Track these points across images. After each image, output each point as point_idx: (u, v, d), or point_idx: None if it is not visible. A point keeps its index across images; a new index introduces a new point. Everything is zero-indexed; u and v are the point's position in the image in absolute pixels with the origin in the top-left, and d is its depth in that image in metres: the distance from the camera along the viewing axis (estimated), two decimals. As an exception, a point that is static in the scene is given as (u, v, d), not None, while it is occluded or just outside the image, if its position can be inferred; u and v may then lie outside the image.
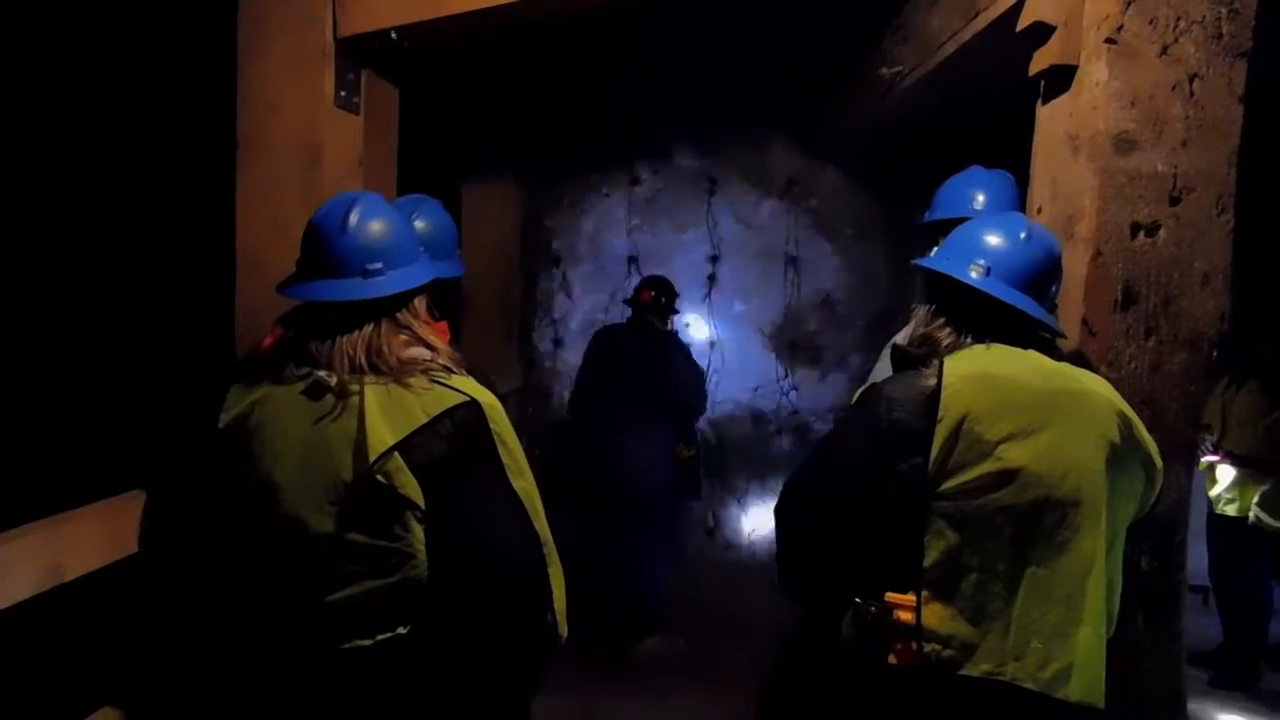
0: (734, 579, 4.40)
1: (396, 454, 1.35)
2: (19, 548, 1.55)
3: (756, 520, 5.11)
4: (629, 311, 4.25)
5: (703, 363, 5.23)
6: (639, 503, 3.88)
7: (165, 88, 3.20)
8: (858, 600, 1.51)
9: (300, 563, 1.40)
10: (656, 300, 4.10)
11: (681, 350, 4.20)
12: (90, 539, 1.70)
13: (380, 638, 1.41)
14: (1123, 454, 1.49)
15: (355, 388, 1.39)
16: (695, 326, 5.22)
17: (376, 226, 1.47)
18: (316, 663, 1.41)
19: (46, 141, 3.20)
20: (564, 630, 1.47)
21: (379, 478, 1.34)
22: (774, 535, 1.69)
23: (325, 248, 1.45)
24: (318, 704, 1.43)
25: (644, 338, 4.09)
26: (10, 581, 1.52)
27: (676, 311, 4.27)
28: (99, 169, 3.29)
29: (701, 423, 5.23)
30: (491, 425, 1.42)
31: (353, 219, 1.45)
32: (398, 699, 1.43)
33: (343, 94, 2.21)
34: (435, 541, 1.39)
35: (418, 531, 1.38)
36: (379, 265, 1.44)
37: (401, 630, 1.42)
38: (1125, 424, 1.51)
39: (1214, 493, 3.90)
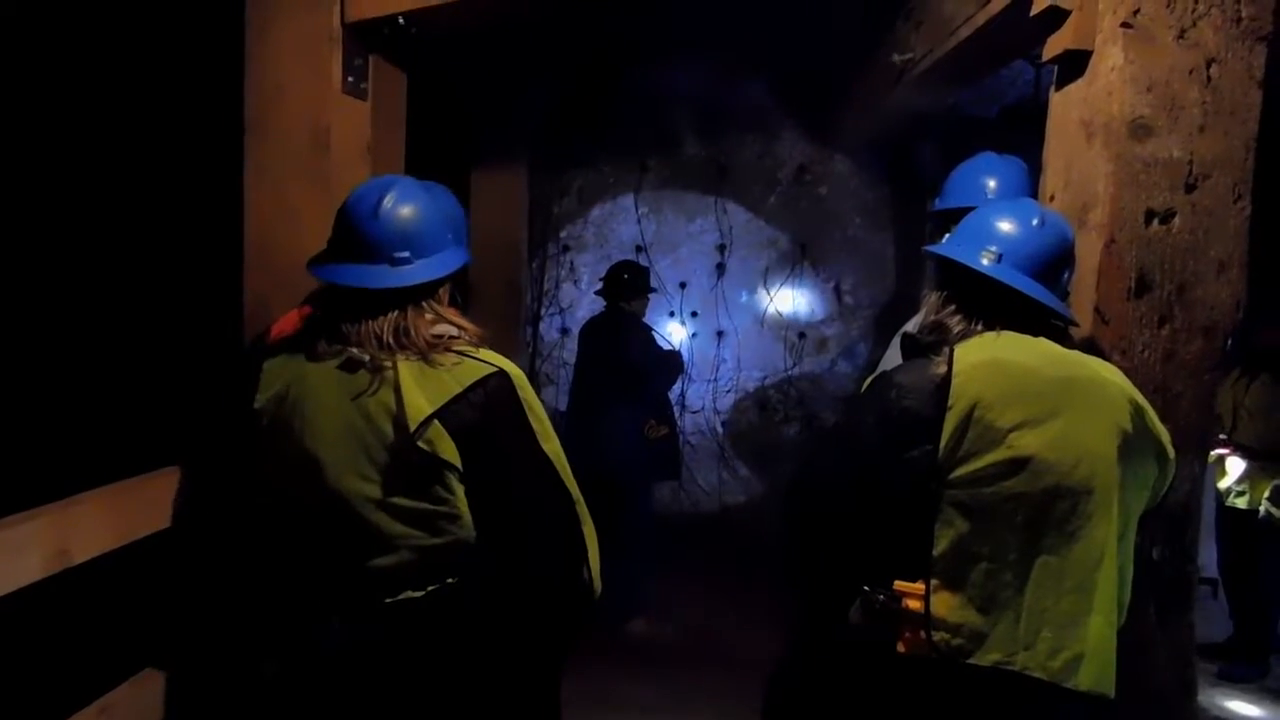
0: (736, 564, 4.41)
1: (436, 421, 1.40)
2: (26, 531, 1.55)
3: (761, 508, 5.11)
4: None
5: (710, 351, 5.23)
6: (614, 484, 3.91)
7: (174, 72, 3.20)
8: (866, 588, 1.50)
9: (349, 533, 1.45)
10: (629, 284, 4.11)
11: (638, 325, 4.19)
12: (97, 523, 1.71)
13: (431, 588, 1.47)
14: (1135, 442, 1.48)
15: (388, 364, 1.43)
16: (704, 315, 5.21)
17: (407, 214, 1.49)
18: (370, 615, 1.47)
19: (57, 126, 3.20)
20: (598, 586, 1.52)
21: (421, 445, 1.40)
22: (779, 522, 1.69)
23: (355, 233, 1.48)
24: (372, 653, 1.48)
25: (610, 321, 4.13)
26: (17, 566, 1.53)
27: (654, 290, 4.27)
28: (108, 153, 3.29)
29: (709, 412, 5.24)
30: (520, 393, 1.48)
31: (384, 206, 1.47)
32: (447, 644, 1.49)
33: (350, 79, 2.20)
34: (474, 503, 1.45)
35: (461, 492, 1.44)
36: (406, 254, 1.47)
37: (450, 580, 1.49)
38: (1138, 412, 1.49)
39: (1224, 485, 3.88)
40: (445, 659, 1.50)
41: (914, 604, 1.45)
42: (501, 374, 1.47)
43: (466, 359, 1.47)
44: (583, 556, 1.50)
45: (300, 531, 1.52)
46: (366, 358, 1.44)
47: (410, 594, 1.47)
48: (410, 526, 1.44)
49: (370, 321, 1.45)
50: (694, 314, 5.22)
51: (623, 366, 3.97)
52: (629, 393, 4.00)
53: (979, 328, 1.54)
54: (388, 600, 1.46)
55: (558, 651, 1.59)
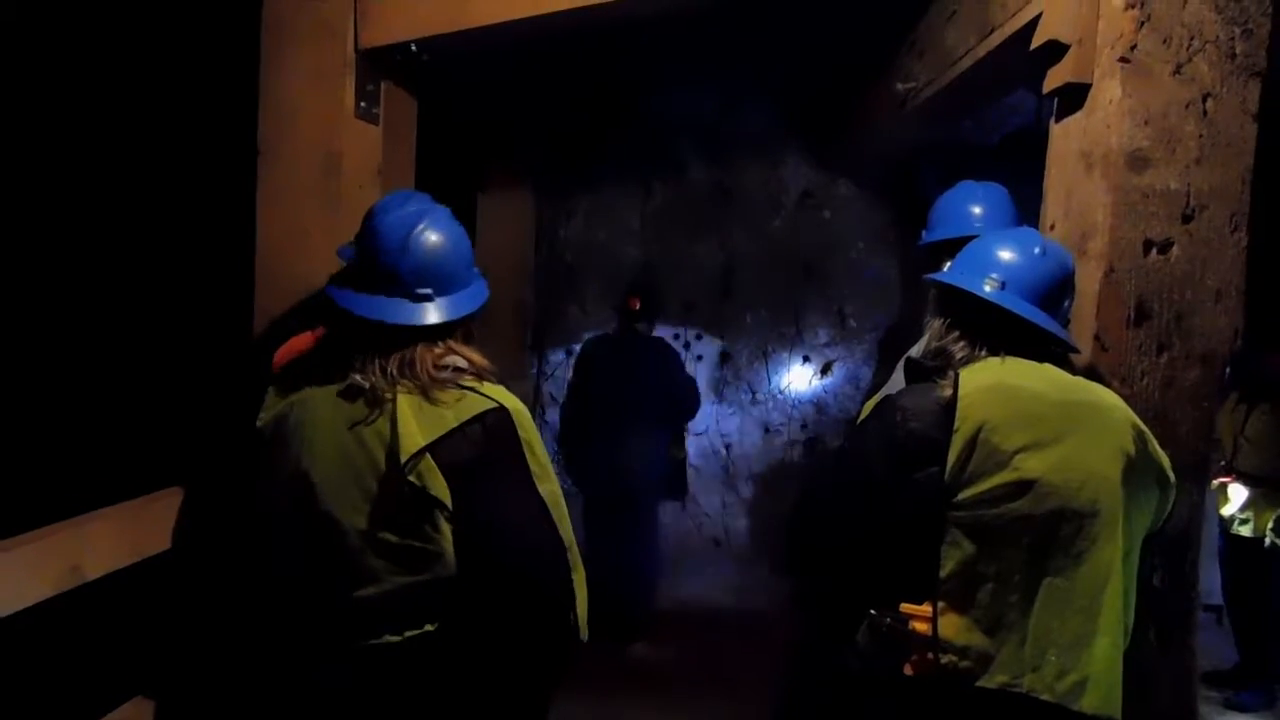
0: (738, 586, 4.41)
1: (428, 455, 1.38)
2: (39, 549, 1.57)
3: (764, 530, 5.10)
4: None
5: (714, 375, 5.26)
6: (636, 504, 3.93)
7: (188, 96, 3.24)
8: (873, 611, 1.50)
9: (334, 559, 1.43)
10: (645, 306, 4.16)
11: (675, 355, 4.32)
12: (110, 541, 1.73)
13: (409, 634, 1.44)
14: (1138, 466, 1.49)
15: (389, 394, 1.42)
16: (708, 338, 5.23)
17: (433, 250, 1.47)
18: (347, 657, 1.44)
19: (75, 147, 3.25)
20: (585, 633, 1.49)
21: (411, 479, 1.38)
22: (783, 546, 1.69)
23: (380, 261, 1.46)
24: (347, 697, 1.45)
25: (637, 344, 4.17)
26: (30, 582, 1.55)
27: (661, 313, 4.39)
28: (124, 175, 3.33)
29: (712, 434, 5.25)
30: (520, 431, 1.45)
31: (412, 238, 1.45)
32: (425, 694, 1.45)
33: (363, 104, 2.24)
34: (462, 542, 1.42)
35: (447, 531, 1.41)
36: (428, 291, 1.46)
37: (429, 628, 1.45)
38: (1140, 437, 1.51)
39: (1227, 512, 3.87)
40: (423, 703, 1.46)
41: (921, 626, 1.45)
42: (501, 410, 1.44)
43: (469, 394, 1.44)
44: (570, 603, 1.46)
45: (290, 555, 1.50)
46: (368, 385, 1.42)
47: (389, 639, 1.43)
48: (391, 561, 1.41)
49: (378, 351, 1.44)
50: (698, 337, 5.25)
51: (665, 395, 4.02)
52: (665, 419, 4.03)
53: (983, 353, 1.56)
54: (364, 643, 1.43)
55: (539, 695, 1.55)
